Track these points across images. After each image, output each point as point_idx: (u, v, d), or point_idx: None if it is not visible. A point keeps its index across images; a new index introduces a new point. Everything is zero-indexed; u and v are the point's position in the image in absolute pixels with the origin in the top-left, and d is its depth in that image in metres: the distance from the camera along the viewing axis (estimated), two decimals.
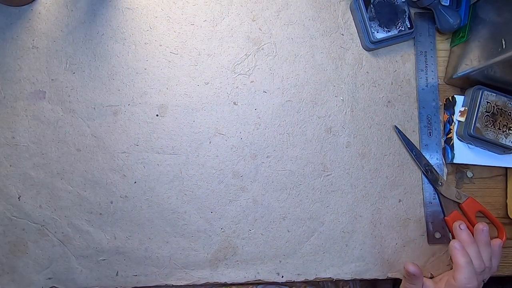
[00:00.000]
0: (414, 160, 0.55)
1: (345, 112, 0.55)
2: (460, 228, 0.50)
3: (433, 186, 0.55)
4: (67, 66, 0.52)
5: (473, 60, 0.52)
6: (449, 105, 0.55)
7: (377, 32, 0.54)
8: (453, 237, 0.54)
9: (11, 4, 0.52)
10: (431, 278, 0.54)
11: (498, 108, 0.52)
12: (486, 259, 0.48)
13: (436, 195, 0.55)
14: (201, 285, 0.53)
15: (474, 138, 0.52)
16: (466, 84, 0.55)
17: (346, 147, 0.55)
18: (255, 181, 0.53)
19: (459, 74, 0.54)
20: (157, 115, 0.53)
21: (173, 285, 0.52)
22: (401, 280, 0.53)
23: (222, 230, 0.53)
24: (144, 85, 0.53)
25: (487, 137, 0.52)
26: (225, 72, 0.54)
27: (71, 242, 0.51)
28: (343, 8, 0.56)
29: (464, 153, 0.54)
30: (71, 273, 0.51)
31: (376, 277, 0.54)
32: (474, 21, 0.53)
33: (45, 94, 0.52)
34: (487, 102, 0.52)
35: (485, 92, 0.52)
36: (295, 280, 0.53)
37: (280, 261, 0.53)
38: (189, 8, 0.54)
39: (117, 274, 0.52)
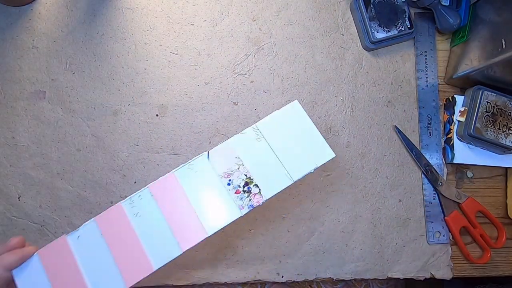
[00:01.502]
0: (414, 160, 0.55)
1: (345, 112, 0.55)
2: None
3: (433, 186, 0.55)
4: (67, 66, 0.52)
5: (473, 60, 0.52)
6: (449, 105, 0.55)
7: (377, 32, 0.54)
8: (454, 238, 0.54)
9: (11, 4, 0.52)
10: (431, 278, 0.54)
11: (498, 108, 0.52)
12: None
13: (436, 195, 0.55)
14: (201, 285, 0.53)
15: (474, 138, 0.52)
16: (466, 84, 0.55)
17: (346, 147, 0.55)
18: None
19: (459, 74, 0.54)
20: (157, 115, 0.53)
21: (173, 285, 0.52)
22: (404, 280, 0.53)
23: (222, 230, 0.53)
24: (144, 85, 0.53)
25: (487, 137, 0.52)
26: (225, 72, 0.54)
27: None
28: (343, 8, 0.56)
29: (464, 153, 0.54)
30: None
31: (376, 277, 0.54)
32: (474, 21, 0.53)
33: (45, 94, 0.52)
34: (487, 102, 0.52)
35: (485, 92, 0.52)
36: (295, 280, 0.53)
37: (280, 261, 0.53)
38: (189, 8, 0.54)
39: None
